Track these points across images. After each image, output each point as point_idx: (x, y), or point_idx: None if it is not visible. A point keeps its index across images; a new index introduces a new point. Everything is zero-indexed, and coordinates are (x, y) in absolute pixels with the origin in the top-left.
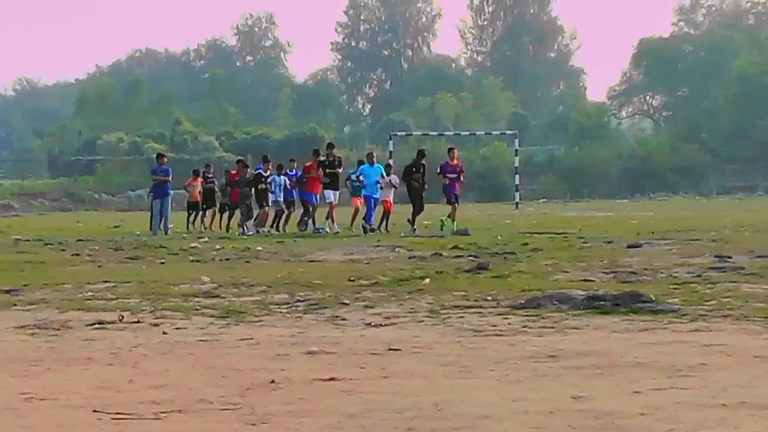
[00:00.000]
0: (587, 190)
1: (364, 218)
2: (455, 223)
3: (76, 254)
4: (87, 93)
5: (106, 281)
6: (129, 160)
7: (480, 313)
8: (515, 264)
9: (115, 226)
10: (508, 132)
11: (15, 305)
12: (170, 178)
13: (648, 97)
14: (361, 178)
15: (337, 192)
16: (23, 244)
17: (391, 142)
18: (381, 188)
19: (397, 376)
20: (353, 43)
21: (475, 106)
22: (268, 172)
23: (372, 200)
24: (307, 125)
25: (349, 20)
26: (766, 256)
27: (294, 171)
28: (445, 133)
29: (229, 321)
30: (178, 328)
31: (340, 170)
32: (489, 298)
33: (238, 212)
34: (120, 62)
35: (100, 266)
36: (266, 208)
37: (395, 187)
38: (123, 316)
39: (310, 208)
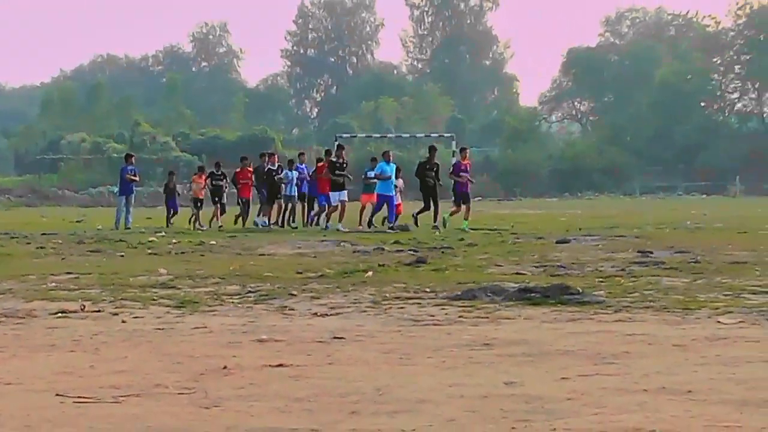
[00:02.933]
0: (519, 189)
1: (370, 216)
2: (467, 222)
3: (41, 247)
4: (51, 96)
5: (69, 273)
6: (91, 159)
7: (419, 303)
8: (452, 258)
9: (78, 221)
10: (445, 135)
11: None
12: (137, 177)
13: (576, 103)
14: (377, 174)
15: (345, 192)
16: None
17: (336, 143)
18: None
19: (342, 363)
20: (302, 51)
21: (415, 110)
22: (276, 166)
23: (391, 199)
24: (258, 127)
25: (298, 29)
26: (685, 252)
27: (304, 165)
28: (388, 135)
29: (184, 310)
30: (136, 317)
31: (347, 173)
32: (427, 289)
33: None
34: (83, 67)
35: (63, 259)
36: (275, 205)
37: (401, 191)
38: (85, 306)
39: (323, 207)
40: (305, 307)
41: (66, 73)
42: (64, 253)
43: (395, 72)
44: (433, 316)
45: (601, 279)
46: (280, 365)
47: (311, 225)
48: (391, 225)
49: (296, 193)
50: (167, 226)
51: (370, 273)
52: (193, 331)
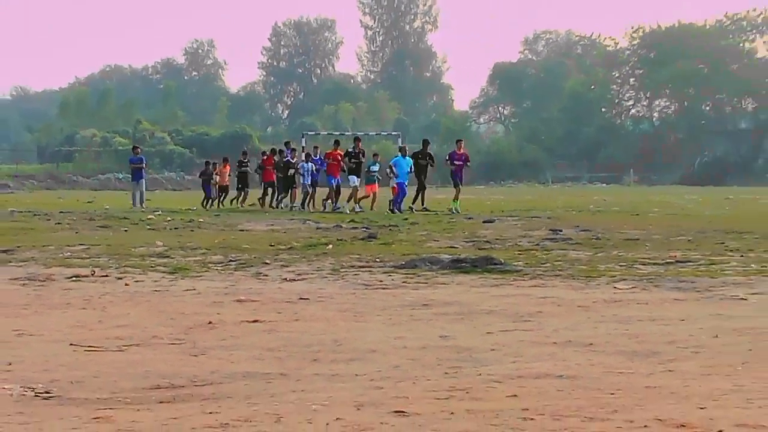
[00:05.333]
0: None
1: (391, 201)
2: (458, 202)
3: (58, 223)
4: (68, 98)
5: (82, 244)
6: (100, 151)
7: (370, 271)
8: (398, 234)
9: (89, 202)
10: (393, 132)
11: (10, 262)
12: (144, 165)
13: (500, 108)
14: (394, 168)
15: (360, 178)
16: (17, 214)
17: (303, 139)
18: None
19: (306, 320)
20: (275, 63)
21: (368, 113)
22: (295, 159)
23: (403, 187)
24: (238, 125)
25: (272, 45)
26: (588, 230)
27: (318, 156)
28: (345, 133)
29: (177, 276)
30: (137, 281)
31: (364, 160)
32: (377, 260)
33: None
34: (94, 75)
35: (76, 232)
36: (294, 190)
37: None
38: (94, 271)
39: (331, 190)
40: (276, 274)
41: (80, 80)
42: (78, 228)
43: (352, 81)
44: (381, 281)
45: (519, 252)
46: (256, 321)
47: (324, 208)
48: (397, 207)
49: (310, 181)
50: (203, 207)
51: (330, 246)
52: (184, 292)
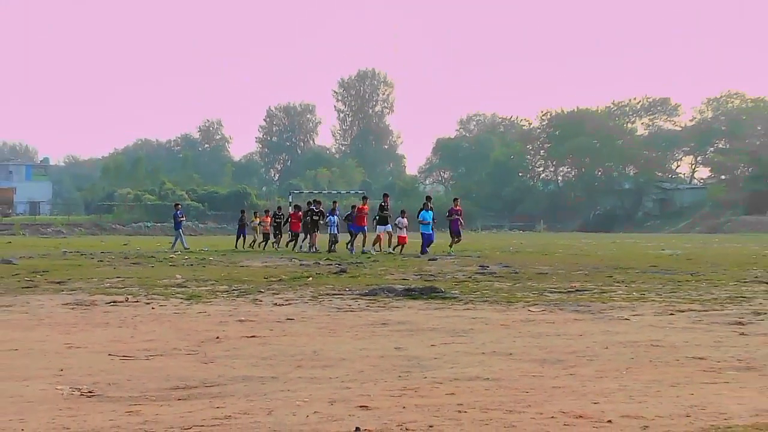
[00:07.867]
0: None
1: (422, 248)
2: (452, 248)
3: (100, 261)
4: (109, 164)
5: (118, 277)
6: (133, 205)
7: (341, 297)
8: (363, 269)
9: (124, 244)
10: (359, 191)
11: (62, 291)
12: (184, 217)
13: (441, 172)
14: (420, 220)
15: (388, 226)
16: (69, 254)
17: (290, 197)
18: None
19: (292, 335)
20: (269, 138)
21: (340, 176)
22: (319, 209)
23: (427, 235)
24: (240, 186)
25: (266, 124)
26: (509, 266)
27: (338, 208)
28: (323, 191)
29: (192, 301)
30: (161, 305)
31: (390, 213)
32: (347, 289)
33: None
34: (129, 146)
35: (114, 268)
36: (315, 234)
37: (406, 227)
38: (128, 298)
39: (356, 236)
40: (269, 300)
41: (118, 150)
42: (115, 265)
43: (327, 152)
44: (350, 305)
45: (456, 283)
46: (253, 336)
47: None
48: (422, 253)
49: (337, 231)
50: (235, 248)
51: (310, 278)
52: (197, 314)
